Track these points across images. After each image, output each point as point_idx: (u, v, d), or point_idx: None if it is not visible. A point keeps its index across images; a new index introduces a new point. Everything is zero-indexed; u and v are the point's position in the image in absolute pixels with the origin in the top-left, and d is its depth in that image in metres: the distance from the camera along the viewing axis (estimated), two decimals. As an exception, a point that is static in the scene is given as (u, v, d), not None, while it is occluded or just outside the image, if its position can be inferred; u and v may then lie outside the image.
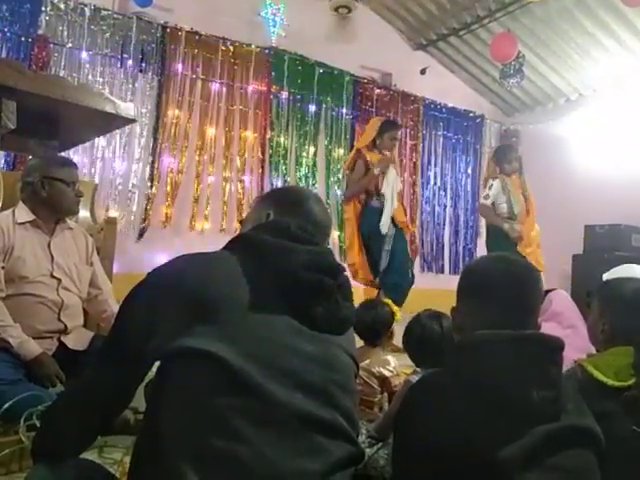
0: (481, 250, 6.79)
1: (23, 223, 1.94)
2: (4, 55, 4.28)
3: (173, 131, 5.03)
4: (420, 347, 1.76)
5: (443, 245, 6.73)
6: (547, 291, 2.93)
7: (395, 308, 2.35)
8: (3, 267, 1.86)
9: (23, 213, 1.95)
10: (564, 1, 5.03)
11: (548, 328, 2.26)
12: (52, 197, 1.95)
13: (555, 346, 0.99)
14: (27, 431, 1.43)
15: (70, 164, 2.06)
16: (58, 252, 2.01)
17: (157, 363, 0.86)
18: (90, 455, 1.39)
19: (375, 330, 2.21)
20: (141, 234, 4.87)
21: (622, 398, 1.18)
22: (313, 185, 5.72)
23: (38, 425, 1.38)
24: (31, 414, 1.47)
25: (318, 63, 5.76)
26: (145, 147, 4.93)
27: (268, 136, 5.48)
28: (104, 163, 4.74)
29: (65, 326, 1.98)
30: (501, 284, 1.06)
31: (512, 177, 4.17)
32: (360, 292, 3.84)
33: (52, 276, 1.97)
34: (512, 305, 1.04)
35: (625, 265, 2.82)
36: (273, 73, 5.52)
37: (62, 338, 1.98)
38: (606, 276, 2.72)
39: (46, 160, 2.04)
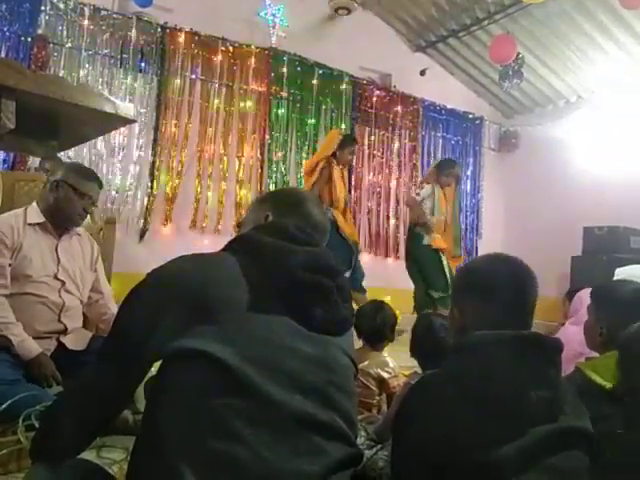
0: (483, 251, 6.80)
1: (33, 224, 1.95)
2: (3, 55, 4.27)
3: (172, 131, 5.03)
4: (432, 354, 1.72)
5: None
6: (574, 290, 2.88)
7: (397, 311, 2.34)
8: (10, 264, 1.87)
9: (34, 214, 1.97)
10: (563, 3, 5.04)
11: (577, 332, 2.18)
12: (59, 202, 1.96)
13: (554, 347, 1.00)
14: (25, 431, 1.43)
15: (93, 180, 2.02)
16: (65, 256, 2.02)
17: (157, 363, 0.87)
18: (89, 455, 1.39)
19: (382, 333, 2.19)
20: (142, 235, 4.87)
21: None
22: (312, 186, 5.72)
23: (36, 425, 1.38)
24: (29, 414, 1.47)
25: (317, 64, 5.77)
26: (144, 147, 4.93)
27: (267, 136, 5.48)
28: (103, 163, 4.74)
29: (65, 327, 1.99)
30: (501, 283, 1.06)
31: (445, 189, 4.56)
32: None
33: (56, 278, 1.98)
34: (512, 305, 1.04)
35: (636, 265, 2.80)
36: (272, 74, 5.53)
37: (61, 338, 1.99)
38: (617, 274, 2.69)
39: (74, 167, 2.05)
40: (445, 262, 4.43)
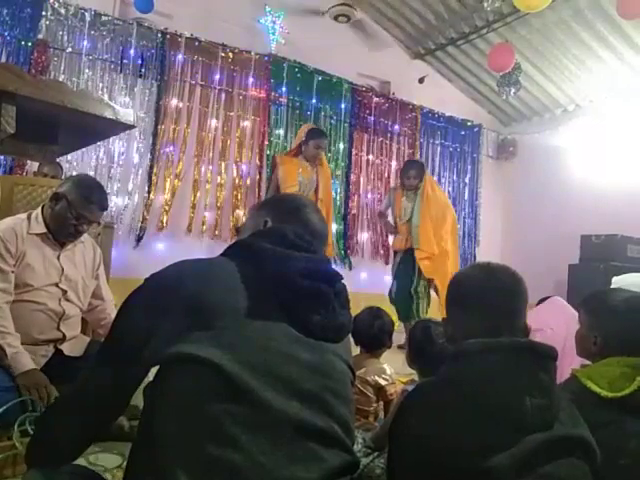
0: (481, 258, 6.80)
1: (35, 234, 1.94)
2: (4, 59, 4.27)
3: (171, 137, 5.04)
4: (431, 361, 1.71)
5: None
6: (544, 299, 2.92)
7: (394, 317, 2.34)
8: (13, 271, 1.86)
9: (36, 224, 1.95)
10: (561, 13, 5.07)
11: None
12: (54, 215, 1.94)
13: (548, 354, 1.00)
14: (21, 436, 1.43)
15: (94, 203, 1.94)
16: (68, 264, 2.01)
17: (154, 369, 0.86)
18: (84, 461, 1.38)
19: (380, 340, 2.18)
20: (138, 240, 4.86)
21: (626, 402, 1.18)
22: (310, 192, 5.72)
23: (31, 431, 1.38)
24: (24, 420, 1.47)
25: (317, 71, 5.79)
26: (143, 152, 4.93)
27: (266, 142, 5.49)
28: (102, 168, 4.74)
29: (64, 335, 1.98)
30: (488, 291, 1.07)
31: (410, 190, 4.44)
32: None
33: (57, 287, 1.97)
34: (500, 311, 1.05)
35: (633, 274, 2.82)
36: (272, 80, 5.54)
37: (58, 345, 1.98)
38: (614, 282, 2.72)
39: (81, 184, 1.96)
40: (399, 265, 4.42)
